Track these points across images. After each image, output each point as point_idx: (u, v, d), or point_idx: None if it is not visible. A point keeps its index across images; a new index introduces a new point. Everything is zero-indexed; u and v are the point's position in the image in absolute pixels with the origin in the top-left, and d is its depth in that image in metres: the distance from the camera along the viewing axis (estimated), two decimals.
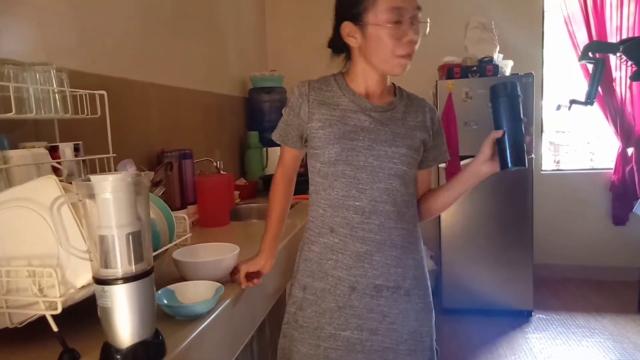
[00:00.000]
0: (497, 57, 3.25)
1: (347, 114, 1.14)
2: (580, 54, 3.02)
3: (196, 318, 1.00)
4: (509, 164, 1.05)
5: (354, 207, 1.13)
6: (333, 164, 1.13)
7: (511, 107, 1.07)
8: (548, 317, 3.16)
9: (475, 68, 3.15)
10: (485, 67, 3.13)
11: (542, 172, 3.81)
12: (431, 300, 1.23)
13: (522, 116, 1.06)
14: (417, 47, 1.10)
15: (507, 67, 3.24)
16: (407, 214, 1.17)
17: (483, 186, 3.19)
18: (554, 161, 4.17)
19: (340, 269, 1.16)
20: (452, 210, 3.20)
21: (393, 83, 1.23)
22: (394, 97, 1.20)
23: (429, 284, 1.23)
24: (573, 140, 4.20)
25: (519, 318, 3.15)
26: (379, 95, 1.18)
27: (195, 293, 1.09)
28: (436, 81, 3.21)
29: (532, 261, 3.14)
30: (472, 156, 3.48)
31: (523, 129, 1.06)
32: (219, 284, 1.11)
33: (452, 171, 3.11)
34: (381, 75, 1.16)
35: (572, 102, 3.08)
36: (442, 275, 3.27)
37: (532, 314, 3.19)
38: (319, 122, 1.15)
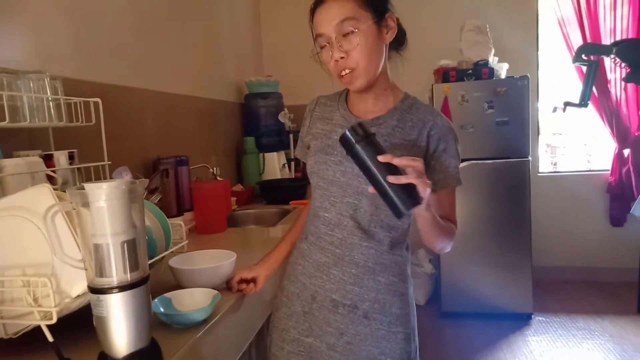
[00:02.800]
0: (493, 60, 3.27)
1: (335, 128, 1.14)
2: (574, 56, 3.03)
3: (193, 326, 0.99)
4: (402, 211, 0.88)
5: (323, 217, 1.13)
6: (310, 175, 1.16)
7: (369, 152, 0.89)
8: (548, 320, 3.15)
9: (470, 71, 3.16)
10: (480, 70, 3.14)
11: (539, 174, 3.82)
12: (406, 333, 1.11)
13: (384, 152, 0.89)
14: (356, 56, 1.00)
15: (502, 69, 3.25)
16: (378, 234, 1.09)
17: (480, 188, 3.22)
18: (551, 163, 4.18)
19: (304, 276, 1.17)
20: None
21: (405, 93, 1.15)
22: (388, 110, 1.11)
23: (408, 314, 1.12)
24: (570, 142, 4.22)
25: (519, 321, 3.14)
26: (373, 110, 1.11)
27: (192, 300, 1.08)
28: (432, 85, 3.21)
29: (530, 263, 3.14)
30: (469, 160, 3.47)
31: (398, 161, 0.87)
32: (216, 292, 1.10)
33: None
34: (363, 91, 1.09)
35: (567, 104, 3.09)
36: (441, 279, 3.26)
37: (532, 316, 3.19)
38: (311, 135, 1.20)
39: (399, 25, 1.09)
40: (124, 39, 1.97)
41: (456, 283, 3.23)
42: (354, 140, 0.90)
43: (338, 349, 1.10)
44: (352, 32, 0.99)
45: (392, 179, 0.85)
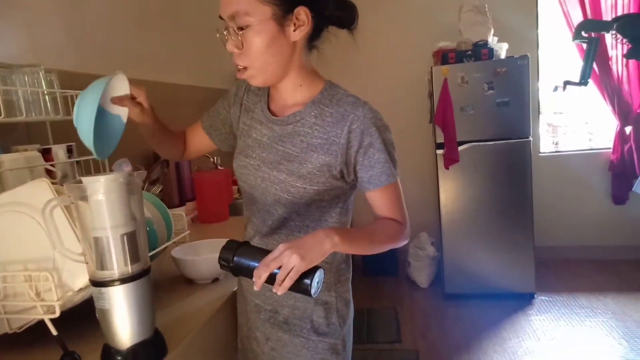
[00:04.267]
0: (492, 40, 3.23)
1: (254, 124, 1.03)
2: (574, 34, 2.99)
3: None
4: (312, 296, 0.81)
5: (252, 223, 1.06)
6: (237, 177, 1.07)
7: (246, 271, 0.83)
8: (550, 299, 3.17)
9: (470, 52, 3.12)
10: (480, 51, 3.10)
11: (540, 154, 3.80)
12: (330, 343, 1.02)
13: (258, 262, 0.81)
14: (249, 55, 0.90)
15: (502, 49, 3.21)
16: (298, 237, 0.96)
17: (482, 170, 3.21)
18: (553, 143, 4.16)
19: (243, 279, 1.12)
20: (451, 196, 3.20)
21: (327, 82, 1.01)
22: (305, 104, 0.98)
23: (335, 324, 1.03)
24: (571, 121, 4.19)
25: (522, 301, 3.16)
26: (290, 105, 1.00)
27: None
28: (431, 67, 3.18)
29: (533, 244, 3.14)
30: (470, 142, 3.45)
31: (264, 269, 0.78)
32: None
33: (451, 158, 3.10)
34: (271, 87, 1.02)
35: (567, 83, 3.05)
36: (444, 261, 3.28)
37: (535, 296, 3.20)
38: (239, 130, 1.08)
39: (342, 1, 0.95)
40: (119, 29, 1.95)
41: (459, 265, 3.25)
42: (228, 268, 0.85)
43: (265, 352, 1.05)
44: (246, 27, 0.87)
45: (275, 289, 0.78)
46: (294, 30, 0.90)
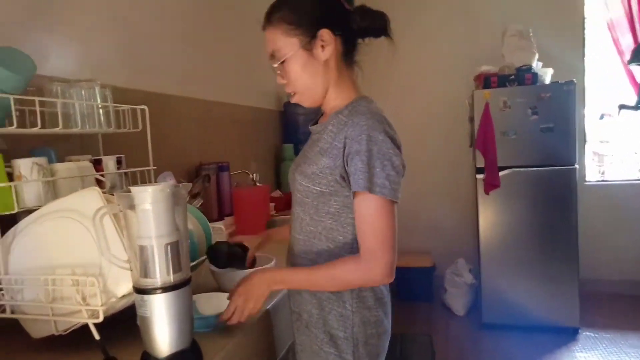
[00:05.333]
0: (536, 65, 3.17)
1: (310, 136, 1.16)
2: (631, 56, 2.88)
3: (203, 329, 0.99)
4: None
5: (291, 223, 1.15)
6: None
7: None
8: (596, 336, 3.00)
9: (513, 76, 3.07)
10: (523, 76, 3.05)
11: (586, 183, 3.66)
12: (340, 357, 1.02)
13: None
14: (292, 83, 1.05)
15: (546, 75, 3.15)
16: (316, 246, 1.04)
17: (523, 196, 3.12)
18: (599, 172, 4.00)
19: None
20: (491, 222, 3.12)
21: (356, 97, 1.06)
22: (330, 116, 1.06)
23: (348, 338, 1.01)
24: (618, 150, 4.02)
25: (565, 335, 3.01)
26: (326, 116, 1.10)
27: (218, 305, 1.08)
28: (472, 91, 3.15)
29: (577, 276, 3.00)
30: (512, 167, 3.37)
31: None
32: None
33: (491, 183, 3.03)
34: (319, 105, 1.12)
35: (622, 107, 2.95)
36: (482, 289, 3.17)
37: (579, 331, 3.04)
38: None
39: (366, 12, 1.02)
40: (168, 49, 2.04)
41: (498, 294, 3.13)
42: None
43: (296, 354, 1.11)
44: (283, 61, 1.01)
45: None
46: (322, 51, 1.01)
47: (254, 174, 2.36)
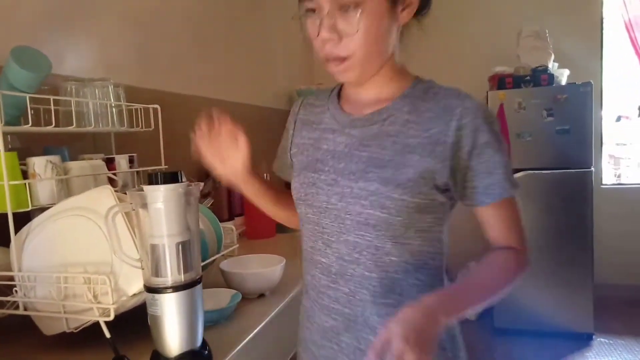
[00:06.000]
0: (552, 65, 3.13)
1: (325, 135, 0.85)
2: None
3: (212, 325, 1.01)
4: None
5: (320, 264, 0.82)
6: (297, 204, 0.87)
7: None
8: (611, 342, 2.95)
9: (528, 77, 3.03)
10: (539, 77, 3.01)
11: (602, 186, 3.60)
12: None
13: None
14: (352, 44, 0.73)
15: (562, 76, 3.11)
16: (398, 283, 0.77)
17: (538, 199, 3.08)
18: (615, 175, 3.94)
19: (313, 344, 0.87)
20: None
21: (417, 77, 0.84)
22: (394, 99, 0.80)
23: None
24: (634, 152, 3.96)
25: (578, 341, 2.96)
26: (374, 102, 0.81)
27: (215, 300, 1.10)
28: (486, 92, 3.12)
29: (592, 280, 2.95)
30: (526, 169, 3.33)
31: None
32: (235, 291, 1.12)
33: None
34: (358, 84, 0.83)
35: None
36: None
37: (593, 337, 2.99)
38: (295, 147, 0.92)
39: None
40: (181, 49, 2.04)
41: (510, 298, 3.09)
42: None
43: None
44: (355, 8, 0.71)
45: None
46: (402, 11, 0.76)
47: (265, 175, 2.36)
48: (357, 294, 0.78)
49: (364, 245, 0.77)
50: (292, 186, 0.88)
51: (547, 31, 3.16)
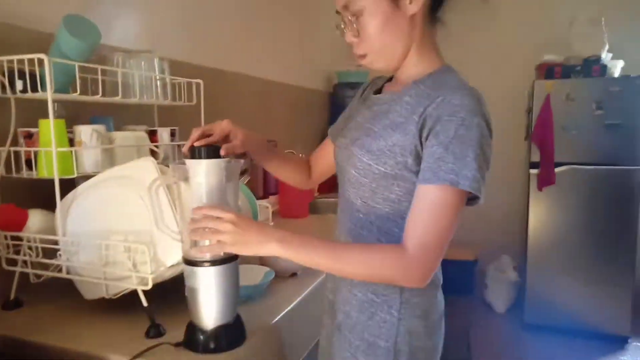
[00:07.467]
0: (606, 56, 2.97)
1: (362, 109, 0.96)
2: None
3: (245, 300, 1.02)
4: None
5: (337, 211, 0.99)
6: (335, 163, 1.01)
7: None
8: None
9: (579, 67, 2.89)
10: (591, 67, 2.86)
11: None
12: None
13: None
14: (365, 41, 0.84)
15: (616, 67, 2.94)
16: (364, 237, 0.87)
17: (580, 195, 2.97)
18: None
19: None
20: (542, 220, 2.99)
21: (443, 66, 0.89)
22: (409, 84, 0.87)
23: (390, 349, 0.85)
24: None
25: (613, 344, 2.86)
26: (404, 82, 0.90)
27: (248, 277, 1.10)
28: (533, 81, 2.99)
29: (633, 282, 2.84)
30: (570, 164, 3.18)
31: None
32: (269, 269, 1.12)
33: (546, 179, 2.89)
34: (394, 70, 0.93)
35: None
36: (527, 288, 3.06)
37: (629, 341, 2.89)
38: (347, 117, 1.03)
39: None
40: (225, 25, 2.04)
41: (543, 294, 3.02)
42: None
43: (326, 351, 0.98)
44: (354, 15, 0.83)
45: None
46: (410, 3, 0.81)
47: (301, 154, 2.35)
48: (338, 235, 0.95)
49: (349, 200, 0.90)
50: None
51: (603, 19, 2.99)
